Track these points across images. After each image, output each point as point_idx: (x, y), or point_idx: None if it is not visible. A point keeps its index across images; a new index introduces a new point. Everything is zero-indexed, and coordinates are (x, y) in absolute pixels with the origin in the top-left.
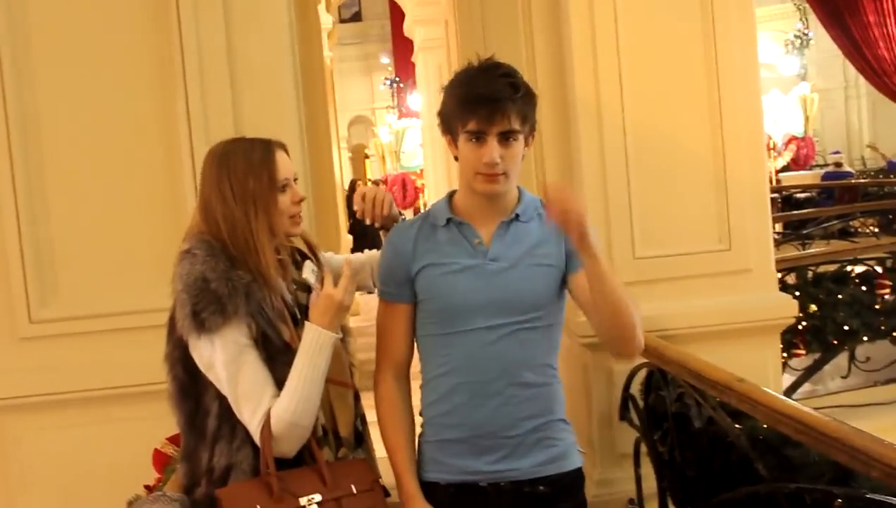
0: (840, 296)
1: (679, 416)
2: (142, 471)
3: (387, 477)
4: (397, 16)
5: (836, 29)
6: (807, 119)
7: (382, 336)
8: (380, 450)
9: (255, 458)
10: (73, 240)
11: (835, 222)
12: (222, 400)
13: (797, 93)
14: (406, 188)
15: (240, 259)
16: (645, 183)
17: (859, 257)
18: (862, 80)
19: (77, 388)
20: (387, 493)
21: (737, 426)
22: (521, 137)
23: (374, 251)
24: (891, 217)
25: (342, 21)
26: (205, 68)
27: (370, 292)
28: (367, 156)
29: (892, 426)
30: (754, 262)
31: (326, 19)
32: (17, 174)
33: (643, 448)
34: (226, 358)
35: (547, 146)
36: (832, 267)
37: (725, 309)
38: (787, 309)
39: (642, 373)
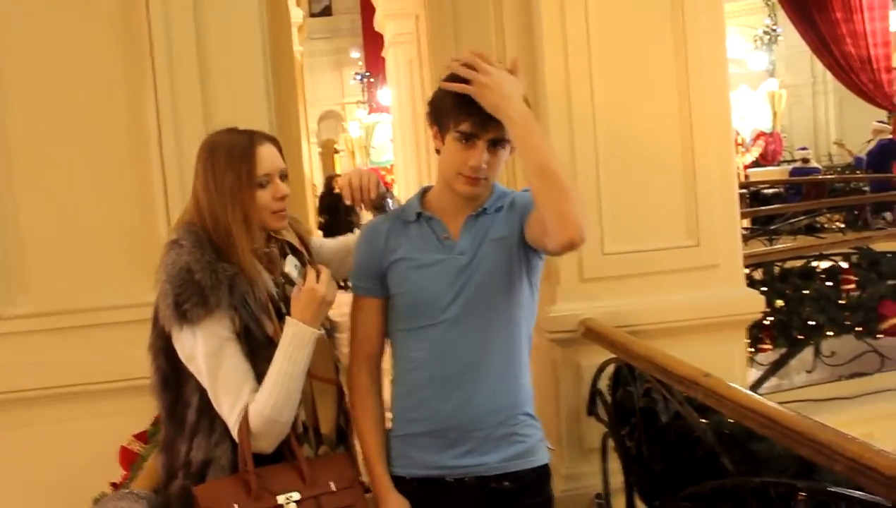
0: (806, 292)
1: (646, 411)
2: (108, 469)
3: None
4: (368, 10)
5: (804, 25)
6: (775, 115)
7: (355, 330)
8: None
9: (234, 453)
10: (41, 236)
11: (802, 218)
12: (203, 392)
13: (765, 88)
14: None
15: (224, 251)
16: (614, 179)
17: (825, 253)
18: (829, 76)
19: (44, 385)
20: (367, 490)
21: (703, 420)
22: (508, 146)
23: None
24: (857, 213)
25: (312, 15)
26: (174, 62)
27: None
28: (336, 152)
29: (856, 420)
30: (722, 258)
31: (296, 13)
32: None
33: (611, 443)
34: (207, 351)
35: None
36: (799, 263)
37: (693, 304)
38: (754, 304)
39: (610, 369)
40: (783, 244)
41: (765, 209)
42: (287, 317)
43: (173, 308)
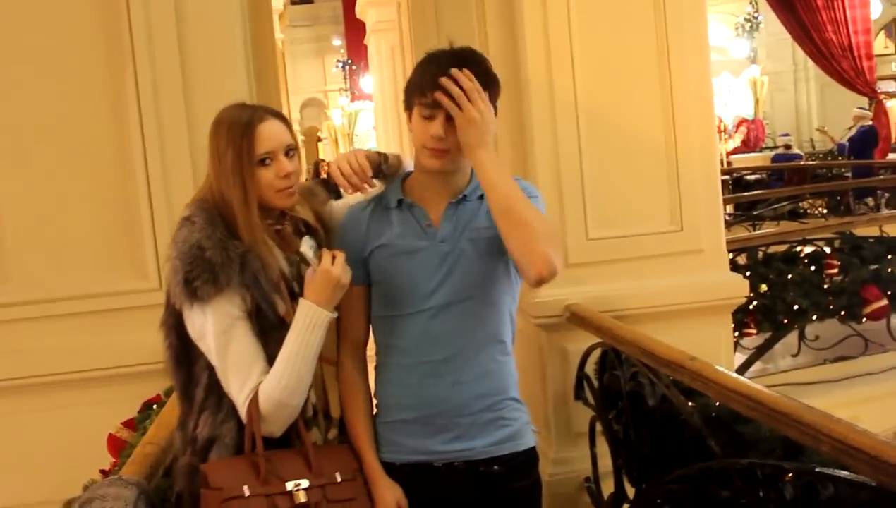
0: (790, 276)
1: (633, 395)
2: (97, 456)
3: None
4: None
5: (786, 13)
6: (757, 101)
7: (340, 317)
8: None
9: (239, 433)
10: (22, 224)
11: (784, 203)
12: (212, 370)
13: (747, 75)
14: None
15: (234, 228)
16: (597, 165)
17: (808, 238)
18: (811, 63)
19: (29, 373)
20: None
21: (690, 404)
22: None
23: None
24: (839, 198)
25: (293, 2)
26: (154, 49)
27: None
28: (319, 139)
29: (841, 403)
30: (706, 243)
31: (277, 1)
32: None
33: (598, 427)
34: (217, 330)
35: (499, 129)
36: (782, 248)
37: (678, 289)
38: (739, 288)
39: (597, 353)
40: (766, 229)
41: (747, 195)
42: (301, 299)
43: (183, 285)
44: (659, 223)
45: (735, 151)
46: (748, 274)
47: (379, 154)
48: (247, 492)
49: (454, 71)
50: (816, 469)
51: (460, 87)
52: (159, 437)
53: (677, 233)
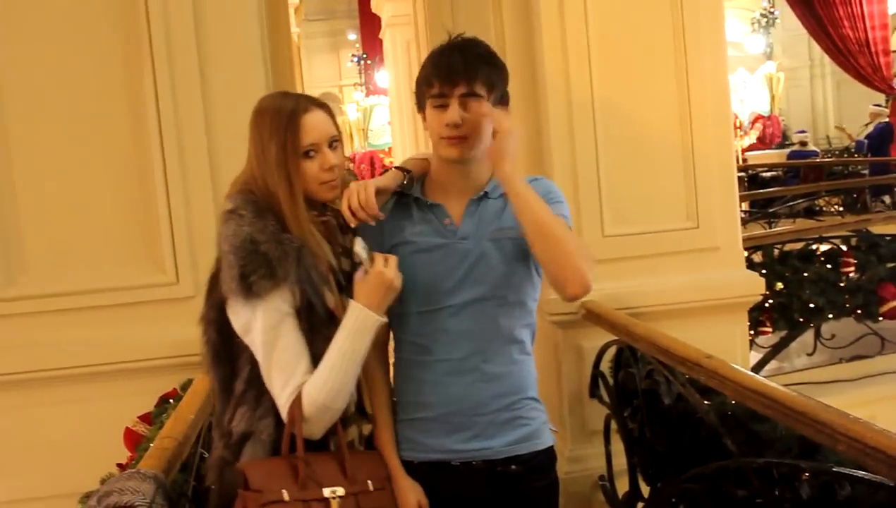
0: (806, 274)
1: (648, 393)
2: (114, 450)
3: None
4: None
5: (802, 8)
6: (773, 98)
7: None
8: None
9: (277, 430)
10: (40, 217)
11: (800, 201)
12: (254, 365)
13: (763, 71)
14: (374, 166)
15: (283, 221)
16: (614, 161)
17: (825, 235)
18: (827, 59)
19: (46, 367)
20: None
21: (706, 402)
22: (483, 102)
23: None
24: (855, 196)
25: None
26: (172, 44)
27: None
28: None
29: (857, 402)
30: (722, 240)
31: None
32: None
33: (613, 425)
34: (265, 325)
35: (515, 124)
36: (798, 246)
37: (693, 286)
38: (755, 286)
39: (612, 351)
40: (782, 227)
41: (763, 192)
42: (351, 301)
43: (239, 280)
44: (675, 220)
45: (750, 148)
46: (764, 271)
47: (403, 172)
48: (286, 496)
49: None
50: (833, 469)
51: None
52: (176, 431)
53: (693, 230)
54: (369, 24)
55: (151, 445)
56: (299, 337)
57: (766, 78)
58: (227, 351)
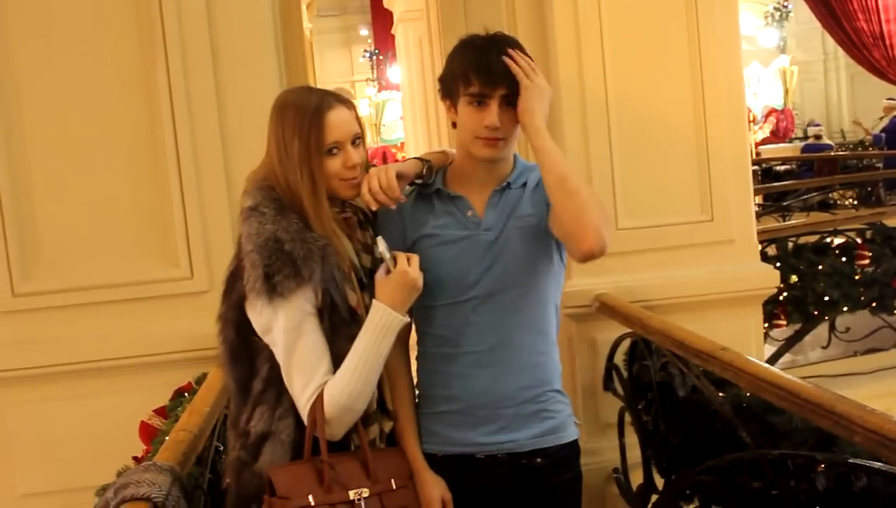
0: (820, 267)
1: (663, 385)
2: (129, 444)
3: None
4: None
5: (815, 1)
6: (786, 91)
7: None
8: None
9: (297, 431)
10: (55, 212)
11: (814, 194)
12: (273, 363)
13: (777, 65)
14: (386, 161)
15: (306, 218)
16: (627, 155)
17: (839, 228)
18: (841, 52)
19: (62, 361)
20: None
21: (720, 394)
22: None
23: None
24: (869, 189)
25: None
26: (186, 40)
27: None
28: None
29: (872, 395)
30: (736, 233)
31: None
32: None
33: (627, 418)
34: (287, 325)
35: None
36: (812, 239)
37: (708, 279)
38: (769, 279)
39: (626, 343)
40: (796, 220)
41: (777, 185)
42: (375, 302)
43: (263, 280)
44: (689, 213)
45: (764, 142)
46: (778, 264)
47: (422, 161)
48: (312, 501)
49: (511, 52)
50: (849, 461)
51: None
52: (191, 424)
53: (708, 223)
54: (381, 20)
55: (167, 438)
56: (321, 337)
57: (779, 71)
58: (245, 350)
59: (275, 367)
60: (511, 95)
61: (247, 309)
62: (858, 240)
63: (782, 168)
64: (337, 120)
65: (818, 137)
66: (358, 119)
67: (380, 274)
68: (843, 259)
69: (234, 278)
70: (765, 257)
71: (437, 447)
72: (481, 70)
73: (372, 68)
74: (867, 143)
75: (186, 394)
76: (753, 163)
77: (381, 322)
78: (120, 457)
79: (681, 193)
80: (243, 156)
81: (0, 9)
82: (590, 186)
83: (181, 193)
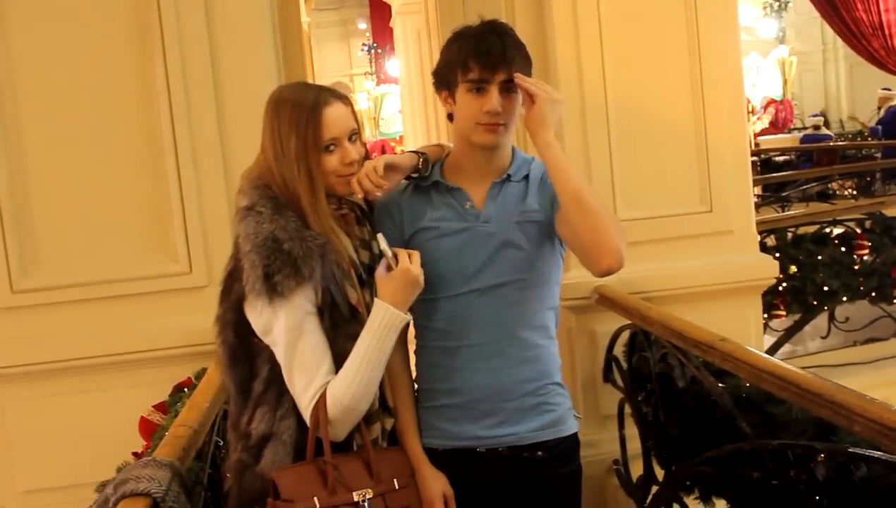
0: (820, 257)
1: (662, 376)
2: (129, 439)
3: None
4: None
5: None
6: (785, 82)
7: None
8: None
9: (299, 431)
10: (53, 209)
11: (813, 184)
12: (273, 364)
13: (775, 56)
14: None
15: (303, 216)
16: (626, 145)
17: (838, 218)
18: (840, 42)
19: (61, 358)
20: None
21: (720, 385)
22: (519, 91)
23: None
24: (868, 179)
25: None
26: (184, 35)
27: None
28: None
29: (871, 385)
30: (735, 224)
31: None
32: None
33: (627, 409)
34: (287, 325)
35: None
36: (812, 229)
37: (707, 270)
38: (768, 269)
39: (625, 335)
40: (795, 211)
41: (776, 176)
42: (377, 300)
43: (263, 280)
44: (688, 204)
45: (763, 132)
46: (777, 255)
47: (418, 154)
48: (317, 504)
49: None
50: (849, 450)
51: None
52: (191, 419)
53: (707, 214)
54: (379, 13)
55: (166, 433)
56: (321, 336)
57: (778, 62)
58: (245, 351)
59: (275, 368)
60: (511, 81)
61: (246, 310)
62: (858, 230)
63: (781, 158)
64: (334, 116)
65: (817, 128)
66: (354, 114)
67: (380, 272)
68: (843, 249)
69: (232, 279)
70: (764, 248)
71: (437, 441)
72: (480, 55)
73: (370, 62)
74: (866, 134)
75: (186, 390)
76: (752, 154)
77: (384, 321)
78: (120, 453)
79: (680, 184)
80: (242, 151)
81: None
82: (599, 197)
83: (179, 188)
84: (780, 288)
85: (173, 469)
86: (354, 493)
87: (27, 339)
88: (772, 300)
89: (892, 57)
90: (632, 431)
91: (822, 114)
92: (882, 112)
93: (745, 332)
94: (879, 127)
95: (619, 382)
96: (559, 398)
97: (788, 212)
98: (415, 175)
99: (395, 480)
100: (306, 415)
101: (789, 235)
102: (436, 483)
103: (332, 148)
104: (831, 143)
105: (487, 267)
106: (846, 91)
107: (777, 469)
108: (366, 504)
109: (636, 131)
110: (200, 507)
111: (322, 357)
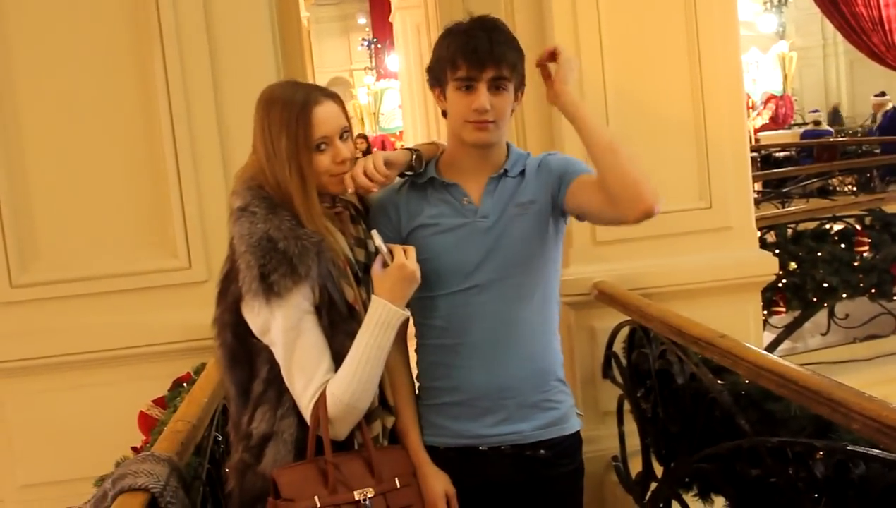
0: (819, 254)
1: (662, 373)
2: (128, 434)
3: None
4: None
5: None
6: (785, 77)
7: None
8: None
9: (300, 430)
10: (53, 203)
11: (814, 180)
12: (273, 364)
13: (775, 51)
14: (385, 150)
15: (297, 215)
16: (625, 141)
17: (838, 215)
18: (840, 38)
19: (60, 352)
20: None
21: (719, 382)
22: (510, 87)
23: None
24: (868, 175)
25: None
26: (182, 30)
27: None
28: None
29: (871, 382)
30: (735, 220)
31: None
32: None
33: (626, 406)
34: (286, 325)
35: (527, 107)
36: (811, 225)
37: (706, 266)
38: (768, 266)
39: (625, 331)
40: (795, 207)
41: (776, 172)
42: (374, 297)
43: (259, 280)
44: (688, 200)
45: (763, 128)
46: (777, 251)
47: (411, 151)
48: (318, 503)
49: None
50: (848, 448)
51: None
52: (190, 414)
53: (706, 210)
54: (379, 8)
55: (165, 428)
56: (319, 335)
57: (778, 57)
58: (244, 352)
59: (275, 368)
60: (499, 78)
61: (243, 311)
62: (857, 227)
63: (781, 154)
64: (324, 115)
65: (817, 123)
66: (345, 112)
67: (376, 269)
68: (843, 245)
69: (229, 280)
70: (763, 244)
71: (439, 439)
72: (468, 53)
73: (370, 57)
74: (866, 130)
75: (185, 384)
76: (752, 150)
77: (382, 317)
78: (119, 448)
79: (679, 180)
80: (240, 146)
81: None
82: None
83: (178, 183)
84: (780, 285)
85: (172, 465)
86: (355, 492)
87: (26, 334)
88: (771, 296)
89: (892, 52)
90: (631, 428)
91: (836, 108)
92: (879, 117)
93: (745, 329)
94: (877, 133)
95: (619, 379)
96: (561, 395)
97: (788, 209)
98: (409, 172)
99: (396, 479)
100: (306, 415)
101: (789, 231)
102: (438, 482)
103: (323, 147)
104: (831, 139)
105: (486, 263)
106: (846, 86)
107: (776, 466)
108: (367, 503)
109: (635, 127)
110: (199, 502)
111: (321, 356)
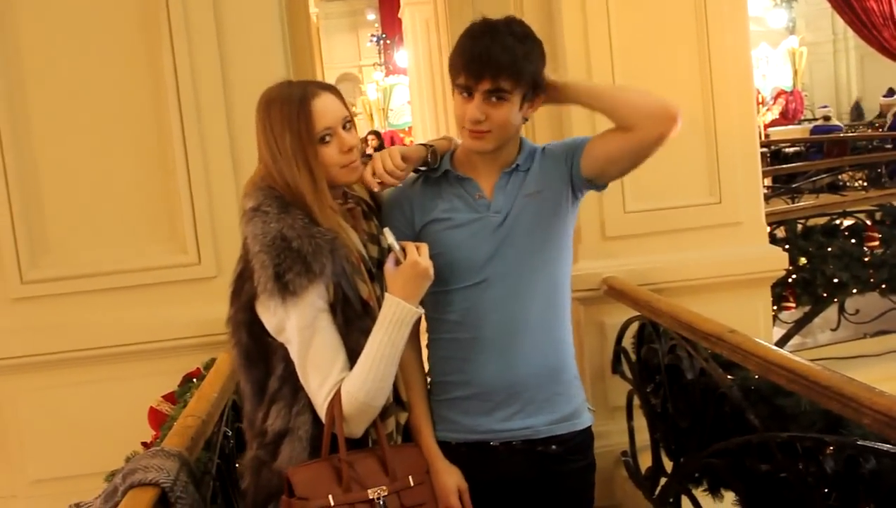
0: (830, 249)
1: (671, 368)
2: (138, 429)
3: None
4: None
5: None
6: (795, 73)
7: None
8: None
9: (314, 427)
10: (63, 199)
11: (824, 176)
12: (288, 362)
13: (785, 46)
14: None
15: (310, 214)
16: None
17: (849, 210)
18: (850, 33)
19: (70, 348)
20: None
21: (729, 377)
22: (511, 98)
23: None
24: (879, 170)
25: None
26: (191, 25)
27: None
28: (354, 115)
29: (881, 377)
30: (744, 215)
31: None
32: (4, 134)
33: (636, 401)
34: (301, 323)
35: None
36: (822, 221)
37: (716, 261)
38: (778, 261)
39: (634, 326)
40: (805, 202)
41: (786, 167)
42: (388, 295)
43: (274, 279)
44: (697, 195)
45: (773, 123)
46: (787, 246)
47: (426, 147)
48: (332, 501)
49: None
50: (858, 443)
51: None
52: (200, 409)
53: (716, 205)
54: (388, 4)
55: (175, 423)
56: (334, 333)
57: (788, 53)
58: (259, 351)
59: (290, 365)
60: (497, 91)
61: (258, 310)
62: (868, 222)
63: (791, 150)
64: (324, 106)
65: (827, 119)
66: (345, 103)
67: (389, 266)
68: (853, 241)
69: (242, 279)
70: (773, 239)
71: (451, 434)
72: (467, 62)
73: (379, 52)
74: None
75: (195, 380)
76: (762, 146)
77: (395, 315)
78: (129, 443)
79: (689, 176)
80: (249, 142)
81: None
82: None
83: (188, 179)
84: (790, 280)
85: (182, 460)
86: (369, 491)
87: (37, 329)
88: (781, 292)
89: None
90: (640, 423)
91: (858, 102)
92: (890, 117)
93: (755, 324)
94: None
95: (628, 374)
96: (574, 390)
97: (798, 204)
98: (423, 167)
99: (410, 477)
100: (322, 413)
101: (799, 227)
102: (450, 478)
103: (327, 138)
104: (842, 134)
105: (497, 256)
106: (857, 82)
107: (786, 461)
108: (381, 501)
109: None
110: (209, 497)
111: (336, 354)
